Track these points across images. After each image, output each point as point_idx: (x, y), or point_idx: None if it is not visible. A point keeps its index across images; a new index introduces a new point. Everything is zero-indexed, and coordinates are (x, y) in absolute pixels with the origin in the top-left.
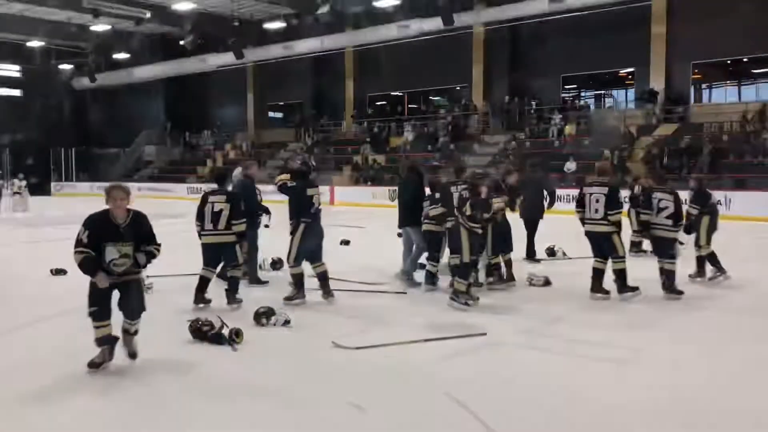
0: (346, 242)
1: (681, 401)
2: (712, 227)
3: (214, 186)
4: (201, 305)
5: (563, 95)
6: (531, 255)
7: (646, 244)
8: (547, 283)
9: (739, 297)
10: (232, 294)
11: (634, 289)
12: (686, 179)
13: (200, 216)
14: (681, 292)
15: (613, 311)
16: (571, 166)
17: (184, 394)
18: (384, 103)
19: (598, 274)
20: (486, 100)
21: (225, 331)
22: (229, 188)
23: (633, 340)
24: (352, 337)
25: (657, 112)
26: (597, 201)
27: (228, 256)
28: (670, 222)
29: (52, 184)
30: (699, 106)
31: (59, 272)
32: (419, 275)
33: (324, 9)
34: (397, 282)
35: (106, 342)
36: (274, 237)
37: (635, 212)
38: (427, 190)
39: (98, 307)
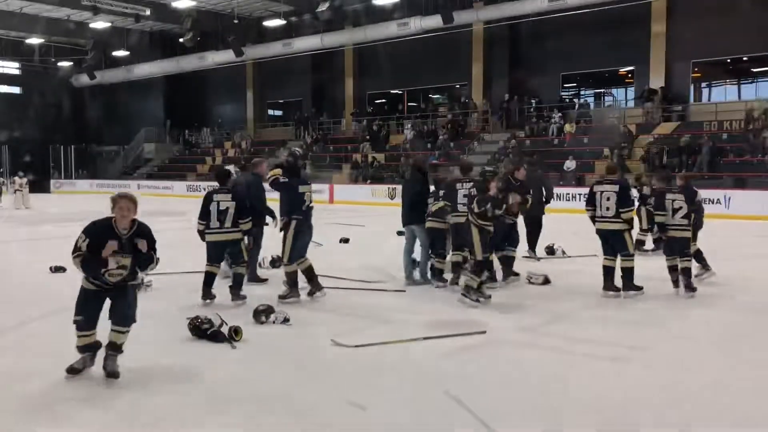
0: (345, 240)
1: (685, 400)
2: (698, 225)
3: (216, 185)
4: (208, 300)
5: (563, 94)
6: (533, 247)
7: (648, 244)
8: (546, 281)
9: (743, 296)
10: (236, 291)
11: (639, 288)
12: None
13: (205, 214)
14: (695, 289)
15: (614, 309)
16: (570, 164)
17: (183, 394)
18: (383, 101)
19: (609, 272)
20: (485, 98)
21: (224, 329)
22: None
23: (634, 338)
24: (351, 335)
25: (656, 111)
26: (608, 199)
27: (234, 253)
28: (685, 222)
29: (52, 181)
30: (698, 104)
31: (58, 269)
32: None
33: (323, 7)
34: (402, 282)
35: (88, 350)
36: (273, 235)
37: (645, 211)
38: (431, 188)
39: (84, 317)
